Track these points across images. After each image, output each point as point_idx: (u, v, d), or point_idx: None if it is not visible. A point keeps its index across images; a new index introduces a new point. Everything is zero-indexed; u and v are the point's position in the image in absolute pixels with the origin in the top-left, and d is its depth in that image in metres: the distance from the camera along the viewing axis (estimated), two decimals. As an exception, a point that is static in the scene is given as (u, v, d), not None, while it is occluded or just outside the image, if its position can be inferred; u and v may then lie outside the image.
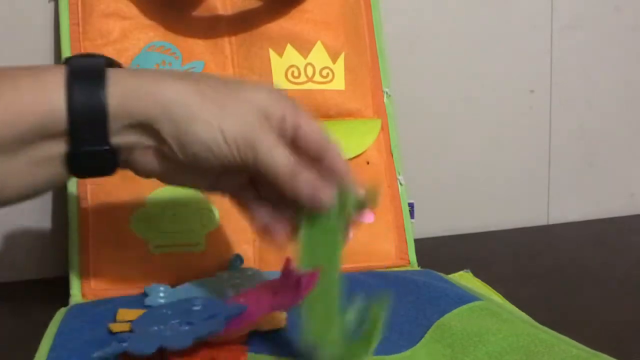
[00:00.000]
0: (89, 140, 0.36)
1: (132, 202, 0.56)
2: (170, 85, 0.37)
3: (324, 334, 0.37)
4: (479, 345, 0.41)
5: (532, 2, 0.78)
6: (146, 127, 0.38)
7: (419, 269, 0.60)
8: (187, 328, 0.40)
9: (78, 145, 0.36)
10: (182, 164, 0.39)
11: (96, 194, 0.56)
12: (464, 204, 0.78)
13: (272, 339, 0.43)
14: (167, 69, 0.58)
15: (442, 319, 0.45)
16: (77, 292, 0.54)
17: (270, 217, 0.42)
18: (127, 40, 0.59)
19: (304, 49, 0.62)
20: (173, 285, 0.52)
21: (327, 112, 0.62)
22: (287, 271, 0.40)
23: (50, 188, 0.39)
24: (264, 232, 0.42)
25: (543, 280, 0.61)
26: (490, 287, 0.56)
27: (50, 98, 0.35)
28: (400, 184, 0.64)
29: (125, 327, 0.43)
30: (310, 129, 0.40)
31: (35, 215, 0.64)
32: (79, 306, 0.50)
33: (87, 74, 0.36)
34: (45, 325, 0.46)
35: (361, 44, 0.65)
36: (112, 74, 0.37)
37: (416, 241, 0.63)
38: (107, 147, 0.37)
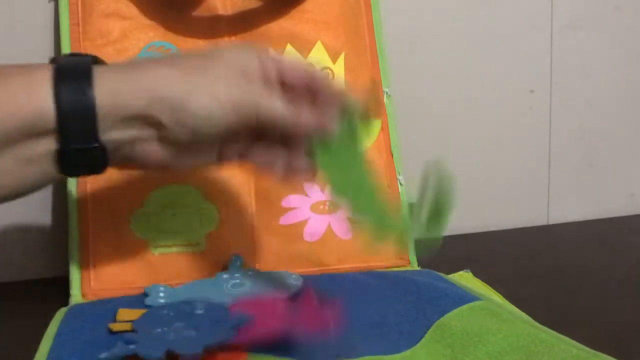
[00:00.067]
0: (78, 138, 0.37)
1: (132, 202, 0.55)
2: (155, 72, 0.38)
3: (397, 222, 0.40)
4: (479, 345, 0.41)
5: (532, 2, 0.78)
6: (142, 118, 0.38)
7: (419, 269, 0.60)
8: (193, 333, 0.40)
9: (67, 142, 0.37)
10: (185, 145, 0.40)
11: (96, 194, 0.56)
12: (463, 204, 0.78)
13: (272, 339, 0.43)
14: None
15: (442, 319, 0.45)
16: (77, 292, 0.54)
17: (287, 161, 0.43)
18: (127, 40, 0.59)
19: (304, 49, 0.62)
20: (173, 285, 0.52)
21: (327, 112, 0.62)
22: (307, 296, 0.41)
23: (41, 187, 0.39)
24: (288, 176, 0.44)
25: (543, 280, 0.61)
26: (490, 287, 0.56)
27: (37, 96, 0.36)
28: (400, 184, 0.63)
29: (126, 327, 0.43)
30: (293, 70, 0.41)
31: (35, 215, 0.64)
32: (79, 306, 0.50)
33: (73, 72, 0.37)
34: (45, 325, 0.46)
35: (361, 44, 0.65)
36: (98, 71, 0.37)
37: (416, 241, 0.63)
38: (96, 145, 0.37)
